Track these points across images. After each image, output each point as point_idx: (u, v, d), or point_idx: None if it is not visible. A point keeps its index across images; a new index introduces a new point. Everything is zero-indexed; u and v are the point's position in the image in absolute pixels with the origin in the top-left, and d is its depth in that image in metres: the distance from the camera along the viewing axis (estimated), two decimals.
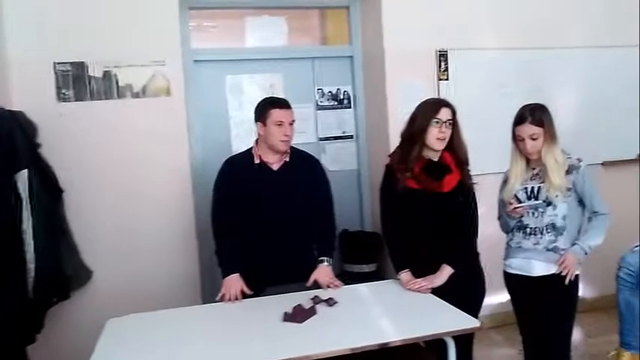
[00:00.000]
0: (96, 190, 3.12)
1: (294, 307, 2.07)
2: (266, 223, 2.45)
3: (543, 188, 2.33)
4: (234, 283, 2.38)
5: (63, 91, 3.06)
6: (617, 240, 2.50)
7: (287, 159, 2.51)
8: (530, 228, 2.38)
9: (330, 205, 2.62)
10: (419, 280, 2.30)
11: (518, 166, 2.41)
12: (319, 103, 3.85)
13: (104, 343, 1.94)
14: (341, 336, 1.90)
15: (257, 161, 2.48)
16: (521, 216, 2.37)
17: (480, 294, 2.41)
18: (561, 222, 2.31)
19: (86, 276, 3.08)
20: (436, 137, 2.30)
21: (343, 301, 2.20)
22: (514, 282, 2.45)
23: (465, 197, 2.37)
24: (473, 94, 3.63)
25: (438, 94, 3.52)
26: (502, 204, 2.49)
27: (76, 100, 3.08)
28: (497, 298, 2.83)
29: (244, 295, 2.36)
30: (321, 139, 3.87)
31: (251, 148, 2.56)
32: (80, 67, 3.07)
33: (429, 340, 1.94)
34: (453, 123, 2.34)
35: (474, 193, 2.41)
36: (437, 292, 2.27)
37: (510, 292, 2.50)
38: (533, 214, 2.35)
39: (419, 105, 2.38)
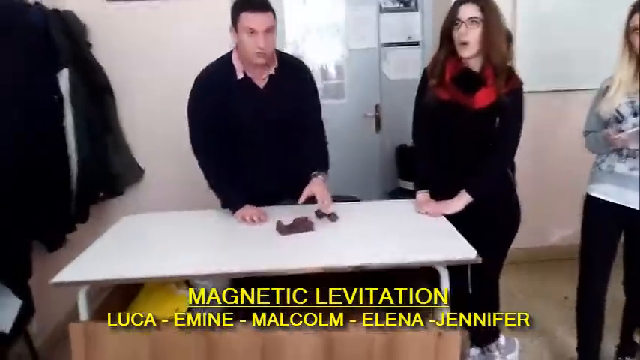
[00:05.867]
0: (148, 90, 3.17)
1: (294, 220, 2.00)
2: (254, 147, 2.17)
3: None
4: (250, 209, 2.12)
5: None
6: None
7: (272, 72, 2.10)
8: (628, 149, 1.99)
9: (320, 120, 2.26)
10: (432, 203, 2.09)
11: (625, 71, 1.97)
12: (383, 6, 3.52)
13: (106, 237, 2.02)
14: (333, 252, 1.81)
15: (240, 76, 2.08)
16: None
17: (509, 232, 2.16)
18: None
19: (137, 174, 3.24)
20: (457, 41, 1.96)
21: (346, 217, 2.07)
22: (598, 209, 2.11)
23: (502, 115, 2.01)
24: None
25: None
26: (596, 119, 2.10)
27: (125, 0, 3.07)
28: None
29: None
30: (384, 45, 3.58)
31: (227, 56, 2.13)
32: None
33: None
34: (486, 21, 1.93)
35: (517, 111, 2.03)
36: (455, 219, 1.98)
37: (591, 219, 2.15)
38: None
39: None
